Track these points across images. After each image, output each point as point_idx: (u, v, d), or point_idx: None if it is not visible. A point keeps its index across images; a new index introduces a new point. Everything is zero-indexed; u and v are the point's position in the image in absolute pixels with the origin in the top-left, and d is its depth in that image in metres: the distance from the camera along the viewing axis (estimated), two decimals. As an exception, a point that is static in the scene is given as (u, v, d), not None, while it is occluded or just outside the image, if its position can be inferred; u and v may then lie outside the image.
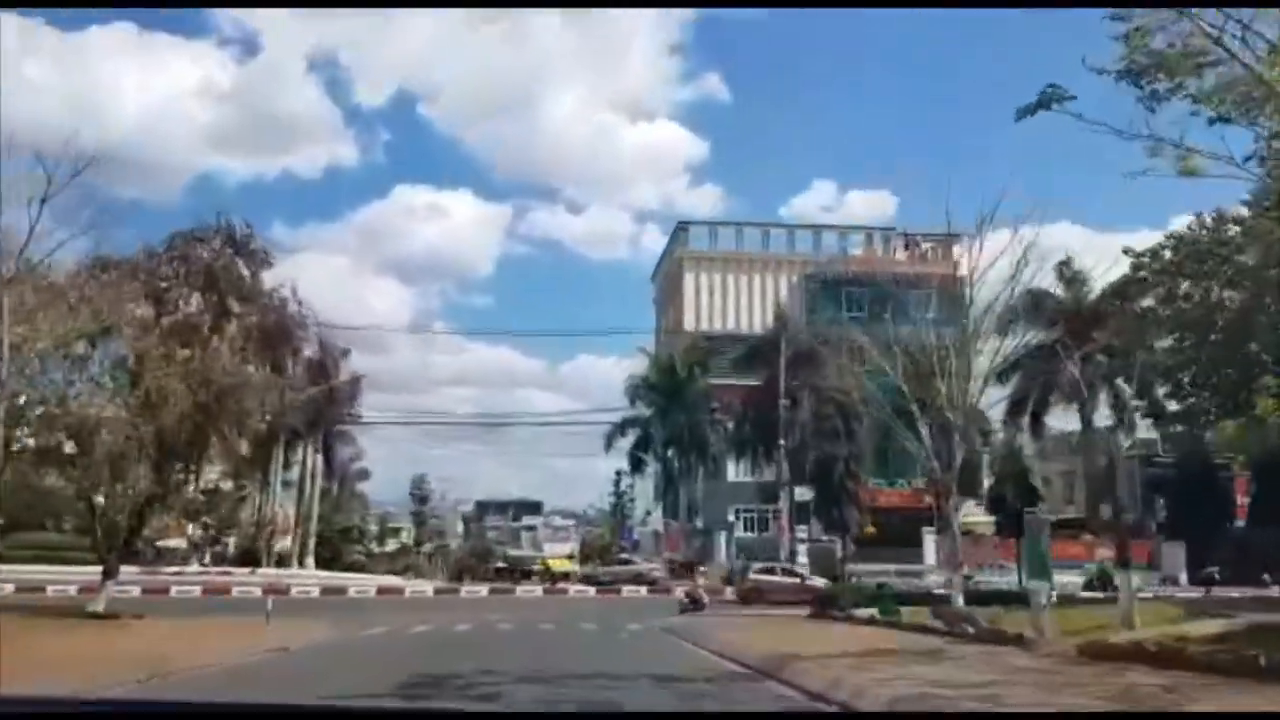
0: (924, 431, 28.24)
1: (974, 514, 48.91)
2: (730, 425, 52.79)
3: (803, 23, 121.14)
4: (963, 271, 33.58)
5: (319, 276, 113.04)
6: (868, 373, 41.32)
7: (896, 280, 62.65)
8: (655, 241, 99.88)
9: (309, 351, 46.11)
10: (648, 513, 62.92)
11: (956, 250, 62.13)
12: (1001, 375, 42.67)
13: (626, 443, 55.94)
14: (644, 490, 64.83)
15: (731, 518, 57.34)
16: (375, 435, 65.07)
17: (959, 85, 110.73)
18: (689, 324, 64.76)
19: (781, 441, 44.93)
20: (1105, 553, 43.10)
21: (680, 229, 68.07)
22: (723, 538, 53.35)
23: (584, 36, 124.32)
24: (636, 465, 55.25)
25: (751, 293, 64.87)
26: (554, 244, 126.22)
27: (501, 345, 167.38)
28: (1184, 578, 44.25)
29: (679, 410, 51.97)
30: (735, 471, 60.95)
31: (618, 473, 73.78)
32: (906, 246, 64.81)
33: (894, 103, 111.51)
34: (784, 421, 44.96)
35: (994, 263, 27.97)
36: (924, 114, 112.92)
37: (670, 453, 51.03)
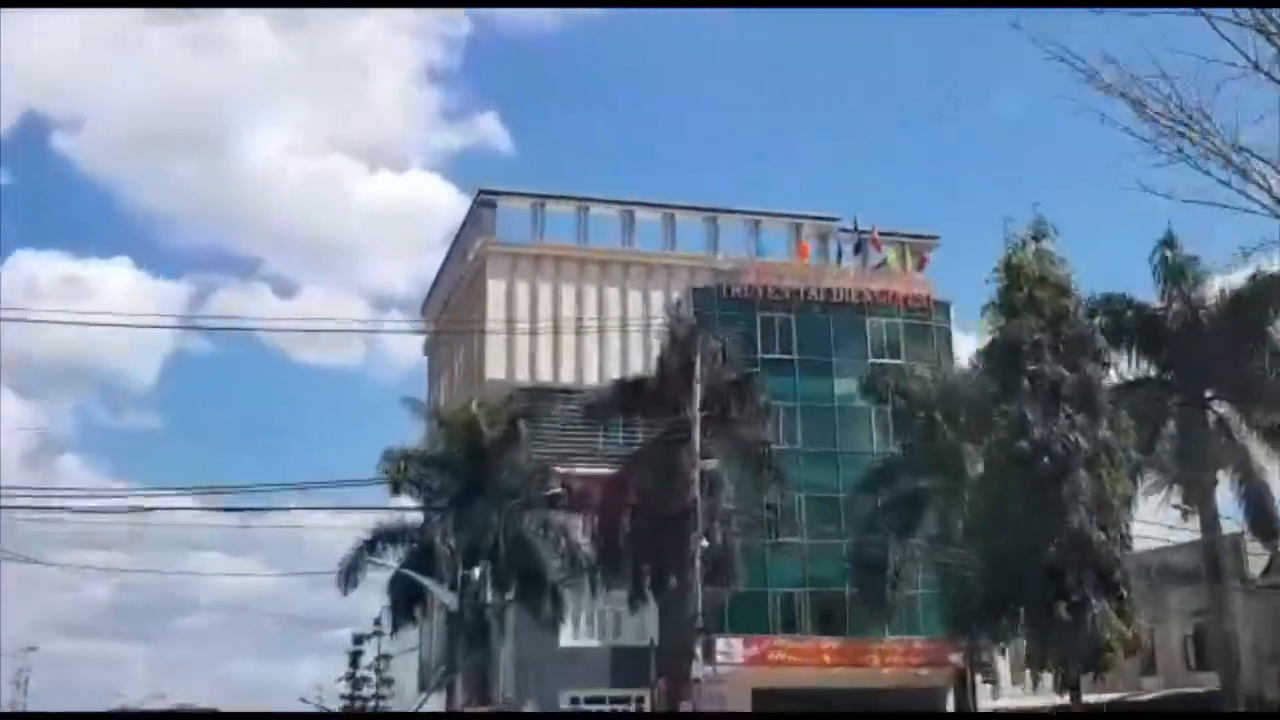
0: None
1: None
2: (581, 536, 36.80)
3: (615, 32, 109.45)
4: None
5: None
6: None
7: (845, 300, 49.36)
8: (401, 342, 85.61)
9: None
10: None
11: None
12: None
13: (381, 574, 38.51)
14: (408, 668, 47.44)
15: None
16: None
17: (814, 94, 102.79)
18: (495, 369, 48.32)
19: (697, 561, 29.02)
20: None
21: (482, 203, 51.85)
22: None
23: (305, 51, 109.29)
24: (401, 613, 37.68)
25: (605, 315, 49.34)
26: (251, 340, 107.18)
27: (169, 491, 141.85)
28: None
29: (484, 505, 35.29)
30: (584, 626, 44.23)
31: (359, 639, 55.49)
32: (858, 249, 51.26)
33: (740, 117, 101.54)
34: (700, 532, 29.13)
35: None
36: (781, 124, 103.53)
37: (468, 582, 33.87)
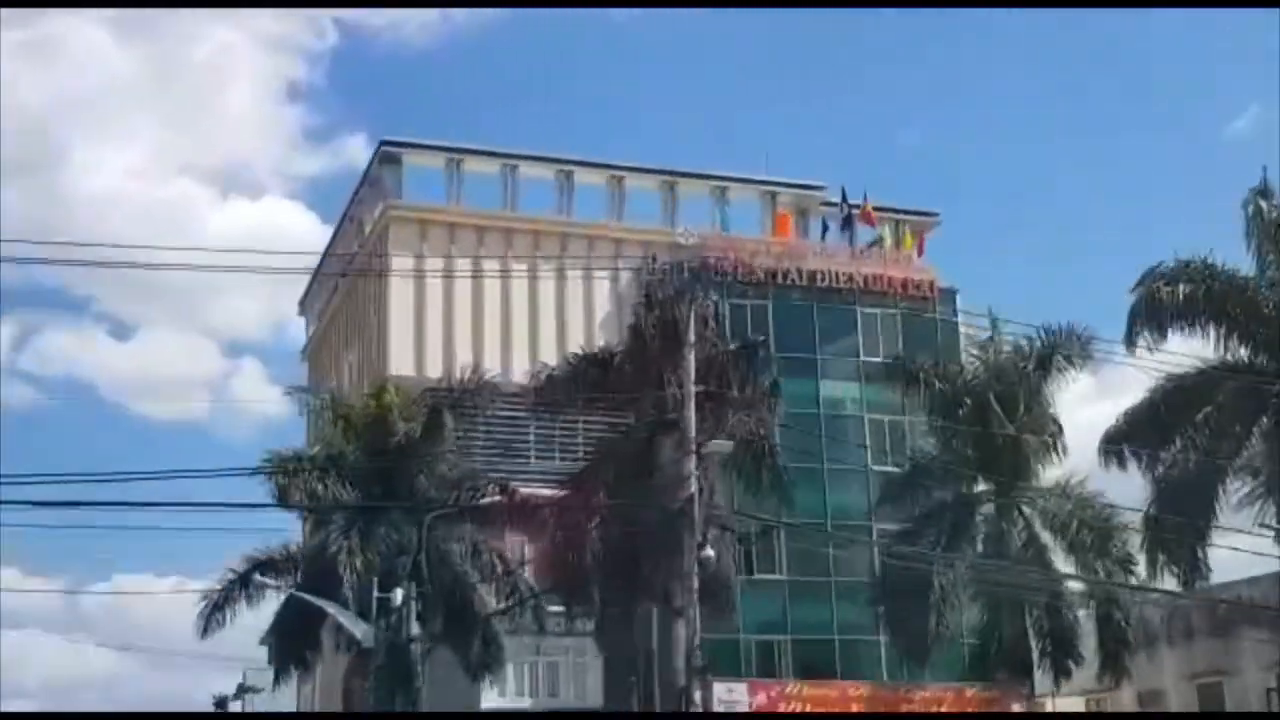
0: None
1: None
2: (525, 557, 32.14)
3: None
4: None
5: None
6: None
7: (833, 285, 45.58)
8: (257, 386, 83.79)
9: None
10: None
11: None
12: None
13: (254, 617, 33.31)
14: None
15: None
16: None
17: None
18: (401, 364, 43.26)
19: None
20: None
21: (384, 159, 46.57)
22: None
23: (151, 62, 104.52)
24: (287, 660, 32.51)
25: (538, 299, 44.74)
26: (82, 388, 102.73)
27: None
28: None
29: (399, 518, 30.41)
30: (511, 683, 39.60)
31: (221, 702, 49.84)
32: (846, 224, 47.44)
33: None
34: (700, 540, 24.50)
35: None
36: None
37: (386, 610, 28.56)
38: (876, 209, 47.85)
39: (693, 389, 25.61)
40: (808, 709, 27.21)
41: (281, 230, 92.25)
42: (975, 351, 30.43)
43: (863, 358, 44.79)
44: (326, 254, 49.82)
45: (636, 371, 28.28)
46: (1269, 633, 36.44)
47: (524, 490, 32.15)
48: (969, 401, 29.53)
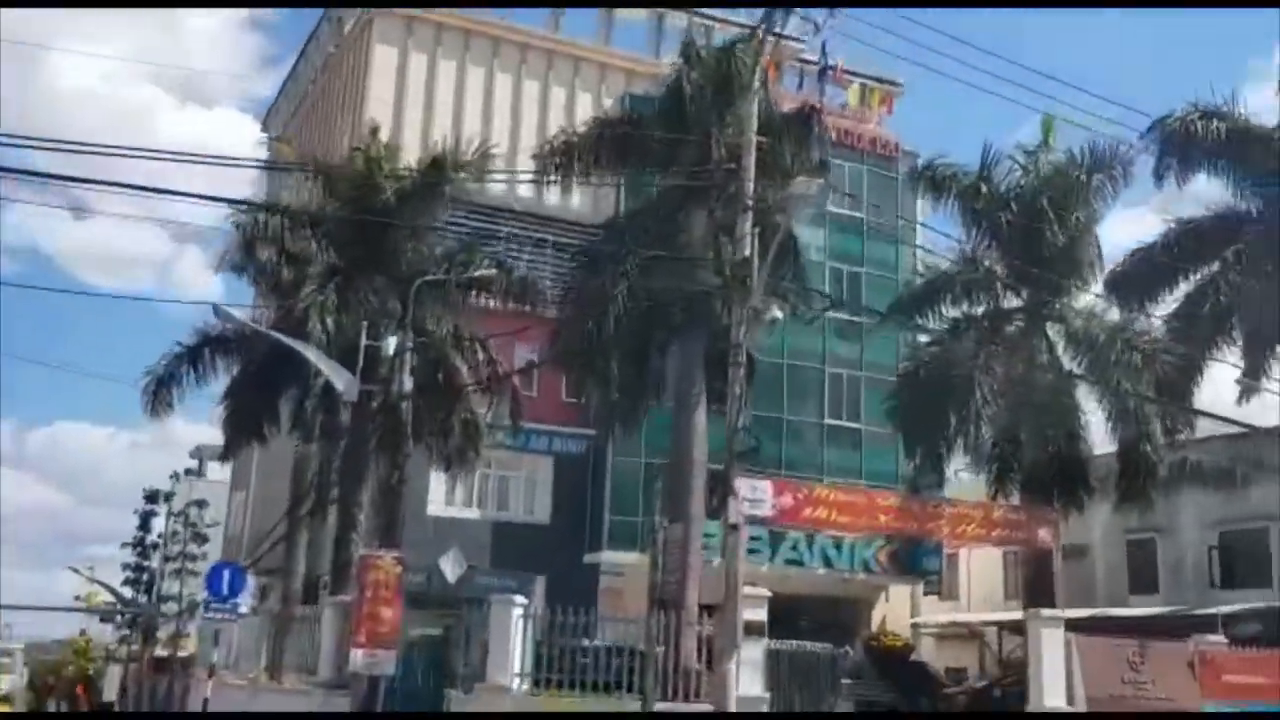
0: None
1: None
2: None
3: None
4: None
5: None
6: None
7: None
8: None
9: None
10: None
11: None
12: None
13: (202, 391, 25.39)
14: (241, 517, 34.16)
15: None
16: None
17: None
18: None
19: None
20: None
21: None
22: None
23: None
24: (243, 430, 24.71)
25: (520, 112, 36.84)
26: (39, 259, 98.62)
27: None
28: None
29: (382, 285, 22.58)
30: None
31: (152, 497, 41.91)
32: (821, 76, 39.99)
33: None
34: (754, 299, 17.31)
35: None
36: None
37: (375, 362, 20.73)
38: (846, 72, 40.50)
39: (754, 136, 18.06)
40: (835, 516, 20.12)
41: (233, 138, 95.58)
42: (1021, 159, 23.10)
43: (830, 208, 37.60)
44: (302, 55, 40.72)
45: (674, 131, 20.52)
46: (1214, 493, 31.03)
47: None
48: (1015, 208, 22.35)
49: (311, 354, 19.59)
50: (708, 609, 18.13)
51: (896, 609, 37.90)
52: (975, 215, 23.66)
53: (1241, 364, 26.68)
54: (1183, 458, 27.36)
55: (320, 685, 20.73)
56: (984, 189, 23.17)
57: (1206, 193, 27.31)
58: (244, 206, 22.79)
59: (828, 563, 35.27)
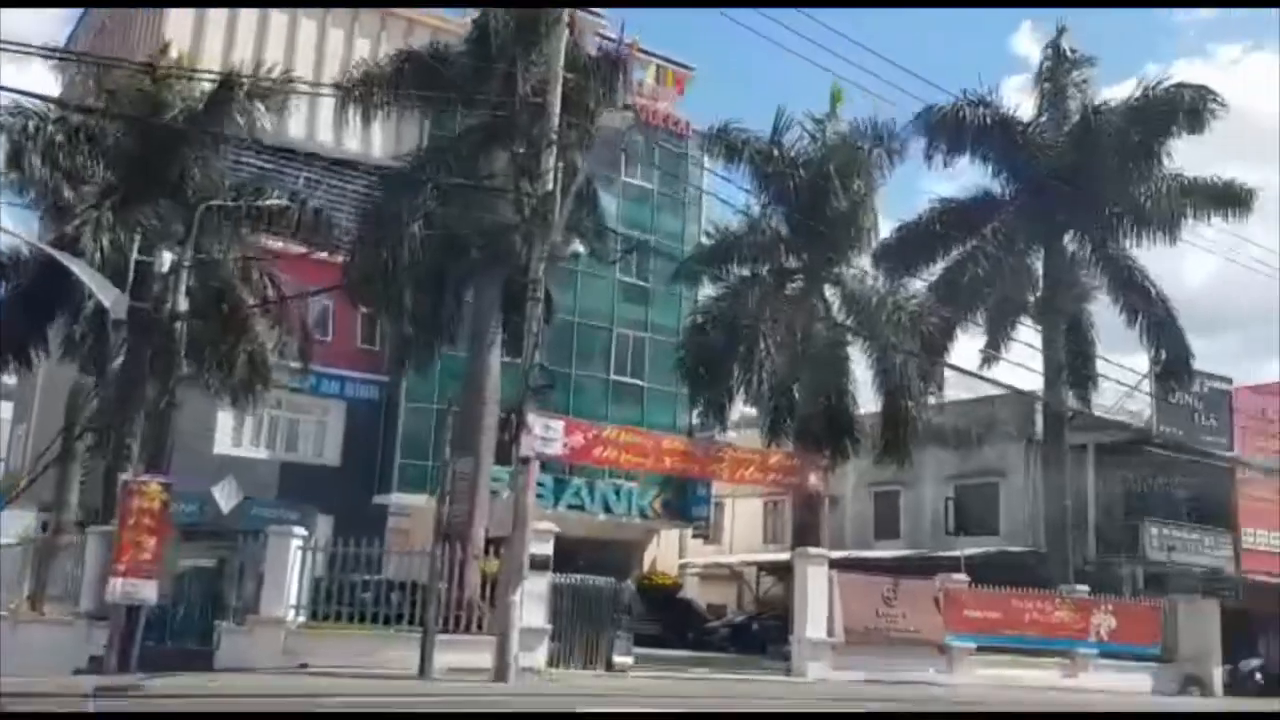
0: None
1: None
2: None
3: None
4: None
5: None
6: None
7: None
8: None
9: None
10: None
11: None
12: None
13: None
14: None
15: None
16: None
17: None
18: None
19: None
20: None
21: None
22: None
23: None
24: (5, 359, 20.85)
25: (324, 58, 33.38)
26: None
27: None
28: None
29: (166, 207, 19.33)
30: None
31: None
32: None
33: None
34: (559, 226, 15.26)
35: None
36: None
37: (145, 278, 17.43)
38: (642, 51, 38.84)
39: (560, 70, 16.14)
40: (624, 456, 18.59)
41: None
42: (811, 127, 22.01)
43: (623, 178, 35.97)
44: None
45: (480, 68, 18.34)
46: (952, 452, 31.36)
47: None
48: (802, 173, 21.26)
49: (78, 268, 16.40)
50: (495, 544, 16.24)
51: (667, 551, 37.03)
52: (765, 179, 22.46)
53: (985, 335, 26.86)
54: (927, 419, 27.28)
55: (82, 616, 17.73)
56: (775, 153, 21.95)
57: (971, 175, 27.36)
58: (14, 110, 19.06)
59: (607, 508, 33.95)
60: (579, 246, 16.45)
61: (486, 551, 16.66)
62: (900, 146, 23.23)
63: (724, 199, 25.52)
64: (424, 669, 14.19)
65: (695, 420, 23.69)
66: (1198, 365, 27.03)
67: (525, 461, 14.80)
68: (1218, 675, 23.18)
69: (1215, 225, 25.82)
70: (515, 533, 14.42)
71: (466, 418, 17.59)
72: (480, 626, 15.90)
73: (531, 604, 15.35)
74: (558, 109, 16.24)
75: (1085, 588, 23.44)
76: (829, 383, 21.72)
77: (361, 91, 19.15)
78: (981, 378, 23.40)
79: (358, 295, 19.79)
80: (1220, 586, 26.56)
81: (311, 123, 31.72)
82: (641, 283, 35.90)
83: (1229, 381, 30.18)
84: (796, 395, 22.01)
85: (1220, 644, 23.45)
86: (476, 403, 17.88)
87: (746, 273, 22.94)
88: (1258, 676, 24.20)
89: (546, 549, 16.02)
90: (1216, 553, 28.25)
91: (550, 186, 15.74)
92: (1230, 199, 24.76)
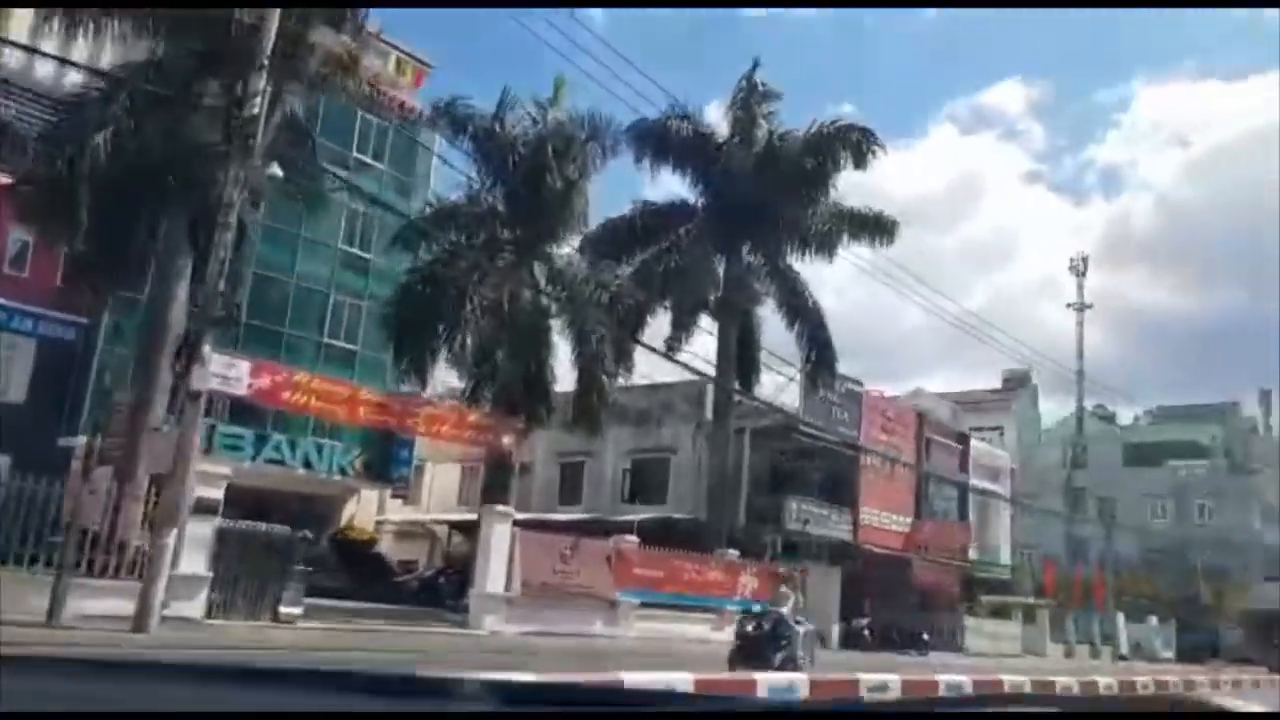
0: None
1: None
2: None
3: None
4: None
5: None
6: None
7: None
8: None
9: None
10: None
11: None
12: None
13: None
14: None
15: None
16: None
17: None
18: None
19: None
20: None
21: None
22: None
23: None
24: None
25: None
26: None
27: None
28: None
29: None
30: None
31: None
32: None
33: None
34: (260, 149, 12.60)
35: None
36: None
37: None
38: (382, 40, 35.67)
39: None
40: (315, 402, 15.98)
41: None
42: (533, 109, 20.37)
43: (354, 153, 32.81)
44: None
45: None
46: (632, 428, 30.89)
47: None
48: (522, 152, 19.57)
49: None
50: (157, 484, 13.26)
51: (367, 509, 34.08)
52: (486, 155, 20.52)
53: (671, 326, 26.34)
54: (615, 399, 26.43)
55: None
56: (497, 130, 20.06)
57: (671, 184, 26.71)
58: None
59: (308, 464, 30.58)
60: (276, 169, 13.79)
61: (151, 489, 13.64)
62: (613, 144, 22.04)
63: (453, 165, 23.09)
64: (53, 614, 11.14)
65: (399, 379, 21.26)
66: (839, 370, 28.07)
67: (195, 397, 12.05)
68: (835, 631, 23.78)
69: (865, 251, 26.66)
70: (175, 470, 11.65)
71: (145, 347, 14.44)
72: (138, 572, 12.92)
73: (193, 550, 12.62)
74: (272, 34, 13.53)
75: (736, 552, 23.43)
76: (530, 352, 20.14)
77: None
78: (669, 357, 22.69)
79: (32, 218, 15.89)
80: (842, 555, 27.53)
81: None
82: (364, 254, 32.82)
83: (861, 385, 31.56)
84: (499, 362, 20.22)
85: (839, 604, 24.09)
86: (157, 332, 14.76)
87: (462, 240, 20.90)
88: (866, 633, 25.10)
89: (216, 493, 13.28)
90: (841, 526, 29.35)
91: (255, 111, 13.04)
92: (878, 228, 25.58)
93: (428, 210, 23.07)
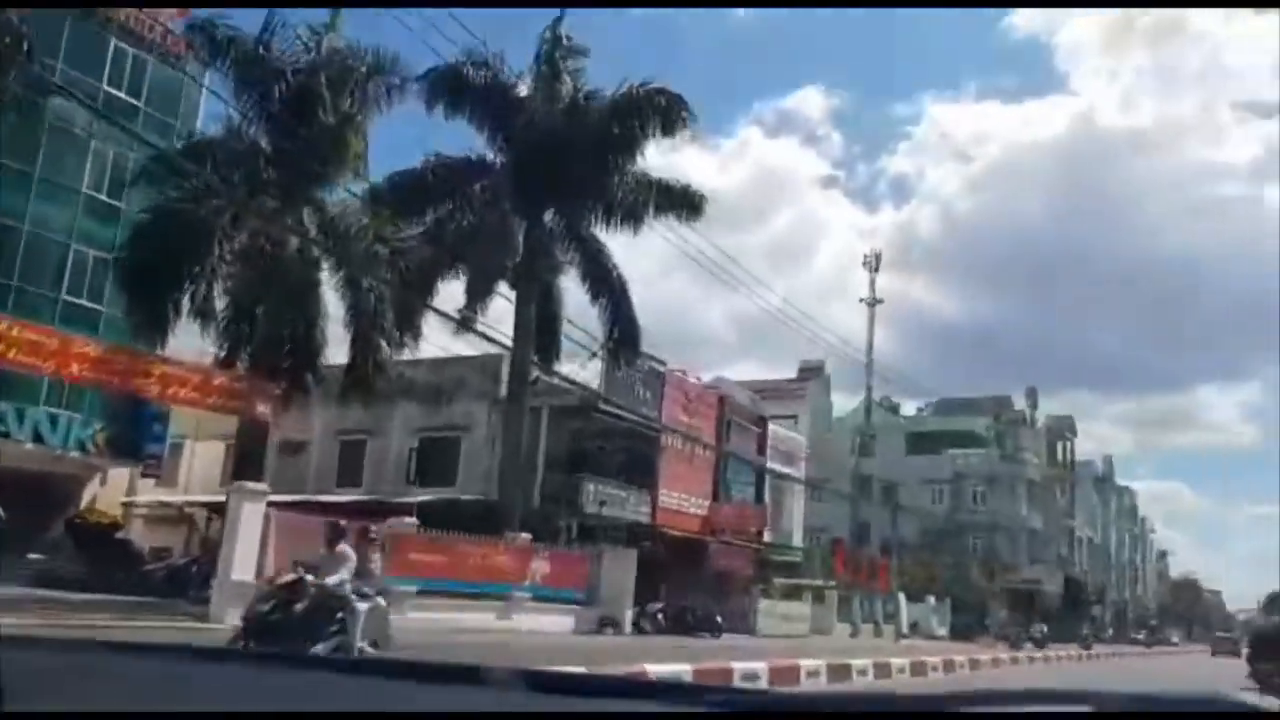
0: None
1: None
2: None
3: None
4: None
5: None
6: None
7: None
8: None
9: None
10: None
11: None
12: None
13: None
14: None
15: None
16: None
17: None
18: None
19: None
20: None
21: None
22: None
23: None
24: None
25: None
26: None
27: None
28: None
29: None
30: None
31: None
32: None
33: None
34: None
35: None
36: None
37: None
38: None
39: None
40: (13, 353, 13.10)
41: None
42: (305, 36, 17.97)
43: (105, 86, 28.86)
44: None
45: None
46: (420, 405, 28.85)
47: None
48: (291, 81, 17.23)
49: None
50: None
51: (114, 490, 30.17)
52: (250, 83, 17.93)
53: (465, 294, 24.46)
54: (399, 372, 24.32)
55: None
56: (263, 54, 17.51)
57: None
58: None
59: (39, 438, 26.61)
60: None
61: None
62: (400, 83, 19.90)
63: (224, 99, 19.97)
64: None
65: (132, 325, 18.16)
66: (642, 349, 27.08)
67: None
68: (628, 615, 22.84)
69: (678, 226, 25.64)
70: None
71: None
72: None
73: None
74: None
75: (528, 536, 22.02)
76: (296, 311, 17.79)
77: None
78: (464, 325, 20.85)
79: None
80: (639, 538, 26.64)
81: None
82: (114, 201, 28.80)
83: (664, 364, 30.83)
84: (259, 321, 17.72)
85: (633, 588, 23.16)
86: None
87: (217, 178, 18.17)
88: (659, 617, 24.31)
89: None
90: (639, 508, 28.49)
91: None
92: (685, 202, 24.71)
93: (180, 146, 20.08)
